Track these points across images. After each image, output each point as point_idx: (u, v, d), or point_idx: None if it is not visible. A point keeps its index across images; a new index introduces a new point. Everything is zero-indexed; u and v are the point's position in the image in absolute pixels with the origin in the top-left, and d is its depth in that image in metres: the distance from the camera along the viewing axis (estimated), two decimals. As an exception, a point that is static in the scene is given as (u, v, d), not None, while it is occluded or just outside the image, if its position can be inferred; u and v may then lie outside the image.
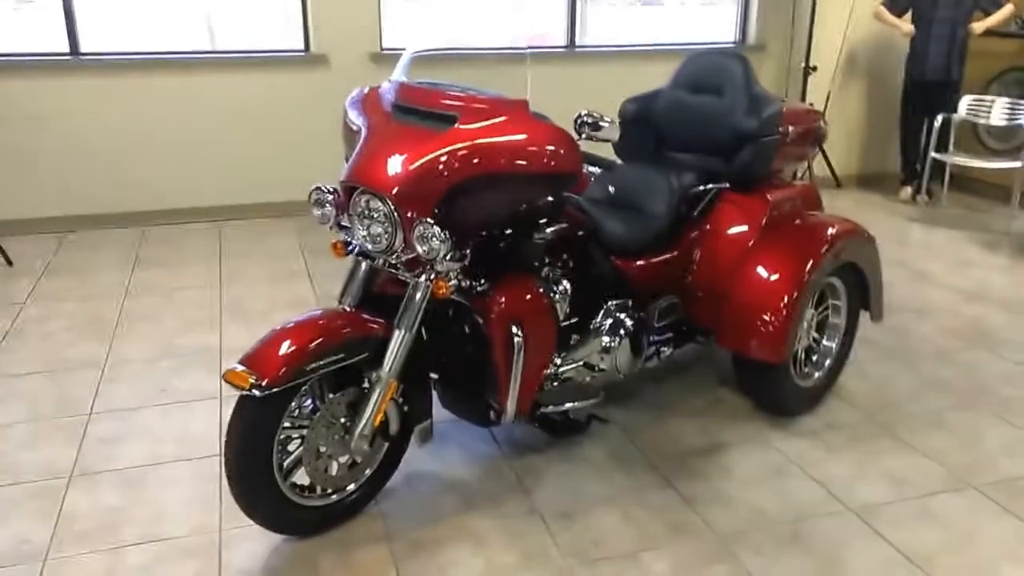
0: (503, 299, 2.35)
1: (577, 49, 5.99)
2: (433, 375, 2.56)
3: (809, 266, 2.81)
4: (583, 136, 2.36)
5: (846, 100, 6.39)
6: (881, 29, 6.04)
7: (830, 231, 2.94)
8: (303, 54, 5.43)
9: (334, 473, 2.37)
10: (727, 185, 3.02)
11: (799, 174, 5.77)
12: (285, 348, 2.15)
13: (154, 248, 4.99)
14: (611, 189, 3.12)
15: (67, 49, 5.11)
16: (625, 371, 2.82)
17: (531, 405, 2.51)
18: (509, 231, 2.42)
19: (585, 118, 2.35)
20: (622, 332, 2.78)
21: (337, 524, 2.43)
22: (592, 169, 3.00)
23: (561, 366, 2.67)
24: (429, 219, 2.14)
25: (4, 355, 3.52)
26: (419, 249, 2.17)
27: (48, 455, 2.78)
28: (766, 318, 2.78)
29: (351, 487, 2.44)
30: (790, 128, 3.08)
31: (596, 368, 2.76)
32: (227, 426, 2.16)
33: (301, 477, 2.32)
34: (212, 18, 5.61)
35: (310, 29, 5.39)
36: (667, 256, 2.95)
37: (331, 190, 2.37)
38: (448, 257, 2.21)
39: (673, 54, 6.06)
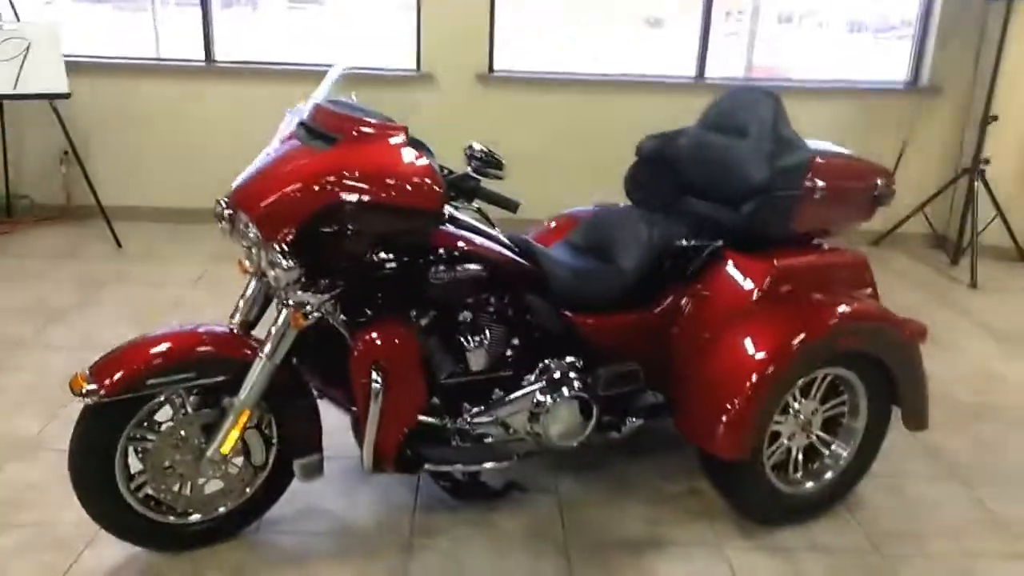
0: (367, 340, 2.15)
1: (706, 80, 5.52)
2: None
3: (787, 351, 2.32)
4: (472, 169, 2.11)
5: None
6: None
7: (836, 315, 2.41)
8: (414, 73, 5.47)
9: (188, 493, 2.28)
10: (719, 243, 2.59)
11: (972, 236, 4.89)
12: (129, 359, 2.11)
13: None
14: (587, 236, 2.79)
15: (203, 57, 5.52)
16: (561, 439, 2.49)
17: (395, 457, 2.27)
18: (394, 267, 2.19)
19: (476, 152, 2.10)
20: (562, 395, 2.46)
21: (200, 545, 2.35)
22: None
23: (474, 421, 2.41)
24: (278, 244, 2.00)
25: (59, 327, 3.83)
26: (269, 275, 2.04)
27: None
28: (725, 406, 2.33)
29: (221, 510, 2.35)
30: (820, 183, 2.56)
31: (526, 431, 2.47)
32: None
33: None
34: (334, 34, 5.85)
35: (421, 48, 5.43)
36: (634, 316, 2.58)
37: (226, 203, 2.30)
38: (299, 287, 2.05)
39: (825, 92, 5.45)
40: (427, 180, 2.05)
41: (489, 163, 2.14)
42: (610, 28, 5.94)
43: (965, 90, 5.38)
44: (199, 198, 5.45)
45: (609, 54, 5.91)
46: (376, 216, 2.03)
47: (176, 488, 2.26)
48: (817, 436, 2.59)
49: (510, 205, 2.24)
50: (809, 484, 2.57)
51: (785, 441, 2.53)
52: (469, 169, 2.18)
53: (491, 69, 5.46)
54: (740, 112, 2.76)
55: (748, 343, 2.36)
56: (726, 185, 2.66)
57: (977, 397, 3.50)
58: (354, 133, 2.07)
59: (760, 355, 2.32)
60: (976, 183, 5.05)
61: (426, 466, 2.33)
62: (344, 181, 2.00)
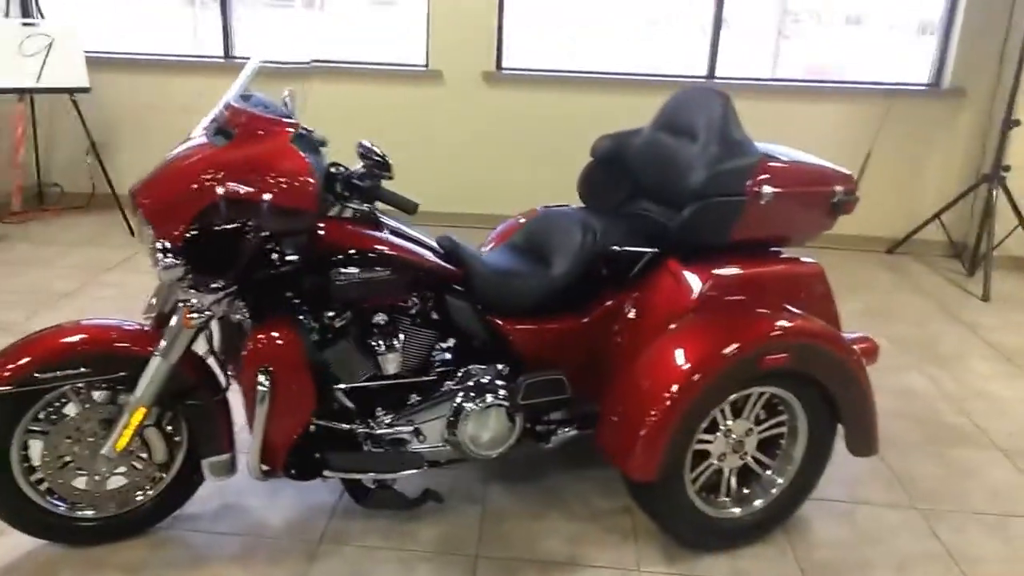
0: (255, 341, 2.08)
1: (717, 79, 5.33)
2: None
3: (705, 369, 2.19)
4: (363, 167, 2.05)
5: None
6: None
7: (761, 331, 2.26)
8: (423, 69, 5.42)
9: (89, 488, 2.26)
10: (654, 250, 2.47)
11: None
12: (23, 352, 2.09)
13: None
14: (528, 238, 2.70)
15: (222, 53, 5.59)
16: (482, 448, 2.40)
17: (285, 461, 2.21)
18: (287, 267, 2.13)
19: (366, 151, 2.03)
20: (482, 402, 2.37)
21: (105, 540, 2.33)
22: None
23: (389, 428, 2.34)
24: (160, 241, 1.95)
25: (50, 313, 3.88)
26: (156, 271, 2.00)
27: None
28: (635, 424, 2.21)
29: (126, 506, 2.32)
30: (767, 189, 2.42)
31: (444, 438, 2.39)
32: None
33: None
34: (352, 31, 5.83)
35: (430, 45, 5.38)
36: (565, 323, 2.47)
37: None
38: (187, 285, 2.01)
39: (844, 94, 5.23)
40: (301, 178, 1.98)
41: (377, 164, 2.07)
42: (619, 25, 5.78)
43: (988, 93, 5.09)
44: None
45: (619, 52, 5.76)
46: (253, 214, 1.97)
47: (75, 482, 2.24)
48: (753, 458, 2.45)
49: (407, 206, 2.16)
50: (736, 510, 2.43)
51: (715, 462, 2.39)
52: (362, 167, 2.11)
53: (499, 67, 5.39)
54: (690, 112, 2.63)
55: (666, 358, 2.24)
56: (671, 188, 2.54)
57: (963, 419, 3.30)
58: (245, 130, 2.01)
59: (676, 372, 2.19)
60: (995, 191, 4.77)
61: (324, 472, 2.27)
62: (224, 178, 1.94)
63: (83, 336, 2.14)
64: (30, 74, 4.95)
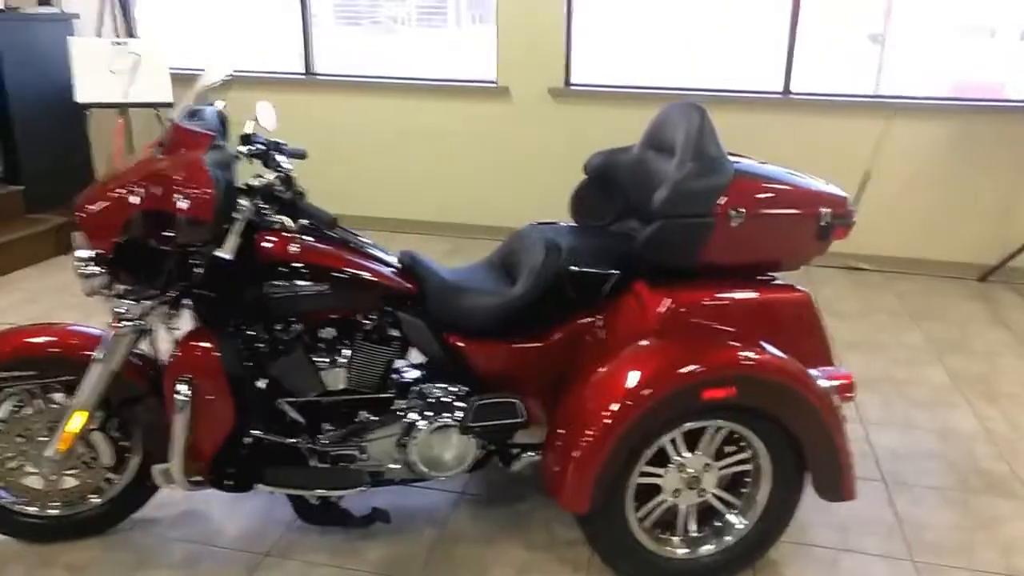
0: (178, 352, 2.11)
1: (792, 95, 5.08)
2: None
3: (637, 398, 2.05)
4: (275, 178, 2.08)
5: None
6: None
7: (702, 362, 2.09)
8: (492, 86, 5.45)
9: (38, 487, 2.34)
10: (615, 272, 2.35)
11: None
12: (-25, 352, 2.20)
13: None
14: (503, 256, 2.63)
15: (303, 69, 5.83)
16: (434, 469, 2.35)
17: (208, 472, 2.21)
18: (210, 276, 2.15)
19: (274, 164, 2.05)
20: (434, 423, 2.32)
21: (60, 538, 2.41)
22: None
23: (334, 444, 2.32)
24: (83, 250, 2.01)
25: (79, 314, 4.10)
26: None
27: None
28: (567, 453, 2.11)
29: (81, 507, 2.40)
30: (739, 210, 2.26)
31: (393, 458, 2.35)
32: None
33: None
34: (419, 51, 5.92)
35: (499, 61, 5.42)
36: (525, 345, 2.38)
37: None
38: (113, 294, 2.06)
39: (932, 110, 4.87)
40: (198, 189, 1.99)
41: (281, 179, 2.09)
42: (695, 39, 5.59)
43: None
44: None
45: (696, 66, 5.56)
46: (163, 224, 2.00)
47: (27, 481, 2.32)
48: (717, 497, 2.28)
49: (325, 219, 2.14)
50: (685, 550, 2.26)
51: (668, 498, 2.24)
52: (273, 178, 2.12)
53: (567, 83, 5.36)
54: (672, 128, 2.50)
55: (603, 384, 2.12)
56: (647, 206, 2.41)
57: (1002, 465, 2.97)
58: (171, 143, 2.06)
59: (609, 399, 2.07)
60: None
61: (258, 486, 2.26)
62: (141, 190, 1.98)
63: (37, 339, 2.22)
64: (119, 90, 5.28)
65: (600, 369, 2.16)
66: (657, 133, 2.59)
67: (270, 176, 2.12)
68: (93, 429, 2.27)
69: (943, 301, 4.66)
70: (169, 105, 5.37)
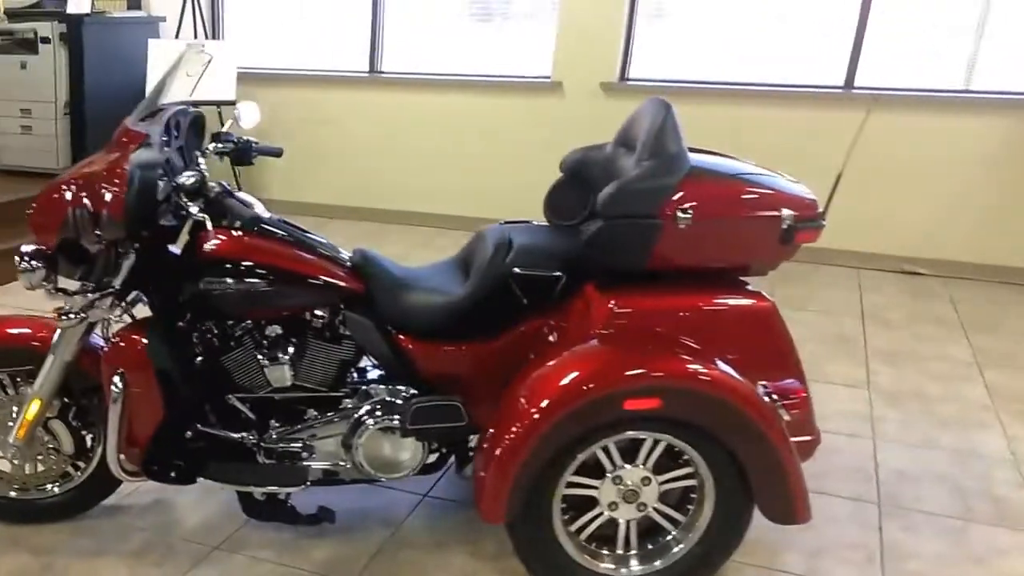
0: (112, 345, 2.17)
1: (855, 90, 4.83)
2: None
3: (553, 405, 1.96)
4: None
5: None
6: None
7: (623, 370, 1.99)
8: (545, 81, 5.43)
9: (7, 470, 2.45)
10: (559, 275, 2.27)
11: None
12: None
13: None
14: (467, 254, 2.58)
15: (367, 67, 5.98)
16: (380, 470, 2.33)
17: (150, 464, 2.25)
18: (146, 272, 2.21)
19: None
20: (377, 424, 2.30)
21: (29, 521, 2.51)
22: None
23: (279, 441, 2.34)
24: (25, 247, 2.09)
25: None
26: None
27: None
28: (485, 459, 2.05)
29: (47, 491, 2.50)
30: (687, 212, 2.13)
31: (339, 457, 2.35)
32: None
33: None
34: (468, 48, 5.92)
35: (555, 56, 5.41)
36: (472, 346, 2.33)
37: None
38: (50, 287, 2.14)
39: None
40: (110, 187, 2.02)
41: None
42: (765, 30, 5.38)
43: None
44: (342, 195, 6.10)
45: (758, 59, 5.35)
46: (90, 223, 2.05)
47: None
48: (661, 512, 2.16)
49: (245, 216, 2.15)
50: (606, 567, 2.15)
51: (605, 511, 2.14)
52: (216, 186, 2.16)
53: (623, 77, 5.27)
54: (637, 124, 2.41)
55: (527, 389, 2.04)
56: (599, 205, 2.32)
57: (1019, 494, 2.71)
58: (112, 142, 2.12)
59: (528, 404, 2.00)
60: None
61: (199, 479, 2.30)
62: (73, 189, 2.05)
63: (3, 329, 2.33)
64: (185, 90, 5.53)
65: (531, 373, 2.09)
66: (627, 129, 2.49)
67: (191, 176, 2.16)
68: (52, 418, 2.36)
69: (1000, 310, 4.31)
70: (232, 103, 5.58)
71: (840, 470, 2.82)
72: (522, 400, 2.03)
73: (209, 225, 2.15)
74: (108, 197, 2.02)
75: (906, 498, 2.67)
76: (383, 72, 5.93)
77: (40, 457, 2.44)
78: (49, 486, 2.49)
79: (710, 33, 5.27)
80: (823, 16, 5.03)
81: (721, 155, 2.49)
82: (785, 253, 2.25)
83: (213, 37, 6.22)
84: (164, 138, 2.31)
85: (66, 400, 2.38)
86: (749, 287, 2.28)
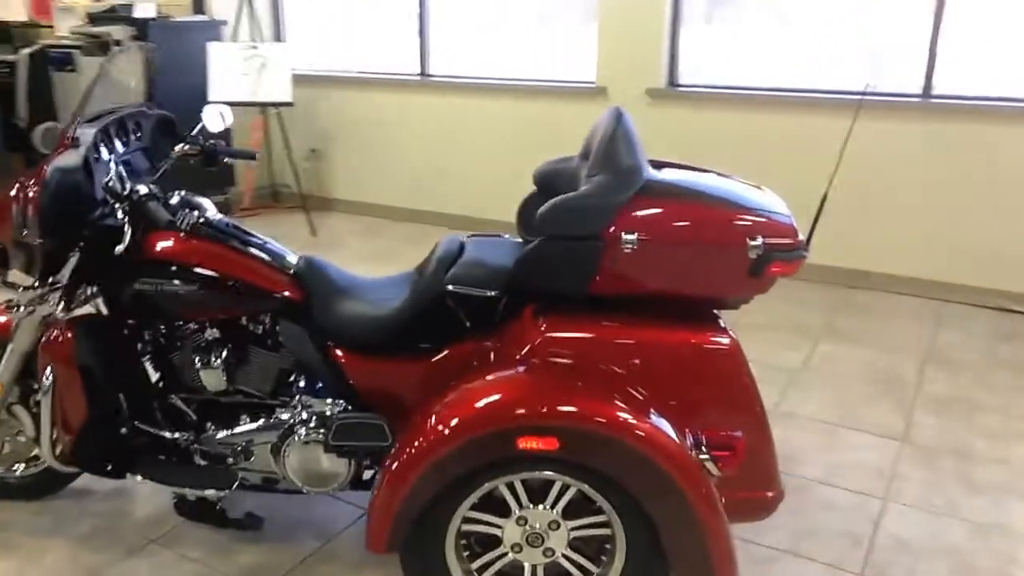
0: (47, 339, 2.22)
1: (933, 98, 4.37)
2: None
3: (444, 437, 1.84)
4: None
5: None
6: None
7: (521, 403, 1.83)
8: (589, 86, 5.26)
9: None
10: (493, 294, 2.14)
11: None
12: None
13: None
14: (423, 267, 2.48)
15: (418, 71, 5.97)
16: (308, 482, 2.28)
17: (75, 455, 2.28)
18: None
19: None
20: (302, 436, 2.26)
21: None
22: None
23: (213, 444, 2.33)
24: None
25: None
26: None
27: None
28: (378, 484, 1.95)
29: (17, 470, 2.60)
30: (633, 234, 1.95)
31: (270, 466, 2.32)
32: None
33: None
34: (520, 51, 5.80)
35: (599, 62, 5.22)
36: (406, 364, 2.24)
37: None
38: None
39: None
40: (33, 189, 2.06)
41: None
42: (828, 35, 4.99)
43: None
44: (396, 196, 6.17)
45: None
46: (21, 222, 2.10)
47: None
48: (568, 558, 2.00)
49: (161, 219, 2.15)
50: None
51: (508, 552, 2.00)
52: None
53: (672, 83, 5.05)
54: (593, 135, 2.26)
55: (424, 417, 1.93)
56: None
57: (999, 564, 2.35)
58: (58, 145, 2.19)
59: (419, 435, 1.88)
60: None
61: (128, 475, 2.32)
62: (18, 188, 2.12)
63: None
64: (245, 91, 5.72)
65: (443, 397, 1.98)
66: (588, 140, 2.33)
67: (112, 179, 2.19)
68: (14, 403, 2.46)
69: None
70: (289, 104, 5.76)
71: (826, 532, 2.53)
72: (422, 425, 1.93)
73: (127, 227, 2.17)
74: (29, 197, 2.08)
75: (897, 572, 2.36)
76: (432, 75, 5.91)
77: (8, 439, 2.54)
78: (17, 466, 2.60)
79: (769, 38, 4.92)
80: (892, 21, 4.59)
81: (698, 170, 2.29)
82: (756, 286, 2.02)
83: (276, 40, 6.39)
84: (123, 140, 2.36)
85: (32, 386, 2.47)
86: (721, 321, 2.08)
